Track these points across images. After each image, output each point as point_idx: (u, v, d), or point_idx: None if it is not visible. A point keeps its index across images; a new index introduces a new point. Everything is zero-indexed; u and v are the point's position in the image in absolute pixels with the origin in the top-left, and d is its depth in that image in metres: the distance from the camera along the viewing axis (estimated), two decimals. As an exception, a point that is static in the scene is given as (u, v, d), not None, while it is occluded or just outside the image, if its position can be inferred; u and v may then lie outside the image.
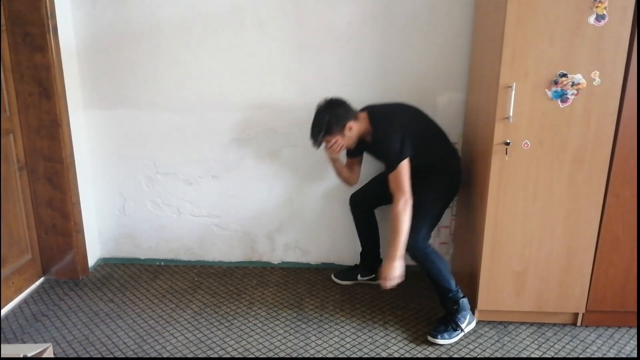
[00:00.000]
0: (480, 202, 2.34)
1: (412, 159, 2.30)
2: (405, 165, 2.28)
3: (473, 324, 2.37)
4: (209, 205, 2.99)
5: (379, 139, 2.36)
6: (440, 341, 2.29)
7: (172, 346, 2.29)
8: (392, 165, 2.29)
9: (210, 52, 2.72)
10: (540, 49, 2.05)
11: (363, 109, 2.48)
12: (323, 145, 2.45)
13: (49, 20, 2.50)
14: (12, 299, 2.61)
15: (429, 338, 2.30)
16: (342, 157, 2.67)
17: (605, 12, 2.00)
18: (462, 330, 2.32)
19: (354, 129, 2.38)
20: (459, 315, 2.32)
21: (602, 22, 2.01)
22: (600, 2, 1.99)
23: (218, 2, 2.64)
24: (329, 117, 2.34)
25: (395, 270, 2.21)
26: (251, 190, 2.94)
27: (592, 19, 2.01)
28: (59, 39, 2.58)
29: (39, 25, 2.49)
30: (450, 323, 2.32)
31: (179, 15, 2.67)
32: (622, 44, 2.03)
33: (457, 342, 2.30)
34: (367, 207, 2.74)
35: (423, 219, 2.31)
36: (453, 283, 2.34)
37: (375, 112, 2.43)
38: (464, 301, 2.34)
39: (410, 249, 2.26)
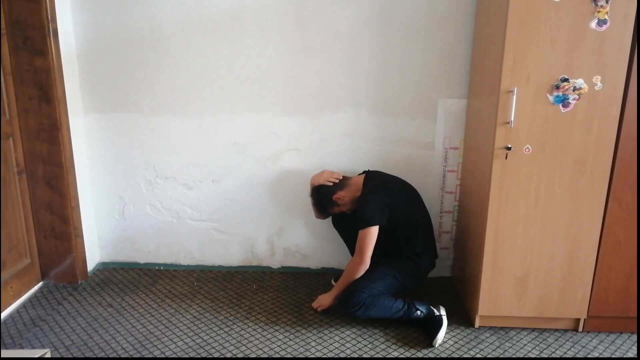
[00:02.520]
0: (481, 207, 2.34)
1: (386, 233, 2.41)
2: (373, 231, 2.39)
3: (426, 307, 2.42)
4: (209, 210, 2.98)
5: (361, 197, 2.48)
6: (439, 341, 2.30)
7: (171, 351, 2.27)
8: (361, 224, 2.40)
9: (211, 56, 2.72)
10: (542, 53, 2.05)
11: (362, 172, 2.66)
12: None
13: (50, 24, 2.50)
14: (10, 304, 2.59)
15: (433, 343, 2.30)
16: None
17: (607, 17, 2.00)
18: (435, 316, 2.37)
19: (345, 196, 2.54)
20: (421, 314, 2.38)
21: (604, 27, 2.01)
22: (602, 7, 1.98)
23: (219, 6, 2.64)
24: (316, 201, 2.63)
25: (327, 301, 2.54)
26: (251, 194, 2.94)
27: (593, 24, 2.01)
28: (59, 42, 2.57)
29: (39, 28, 2.49)
30: (426, 323, 2.37)
31: (180, 19, 2.67)
32: (623, 48, 2.03)
33: (458, 342, 2.30)
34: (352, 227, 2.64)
35: (377, 284, 2.40)
36: (398, 305, 2.37)
37: (372, 176, 2.57)
38: (411, 305, 2.38)
39: (352, 298, 2.35)
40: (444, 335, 2.33)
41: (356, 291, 2.35)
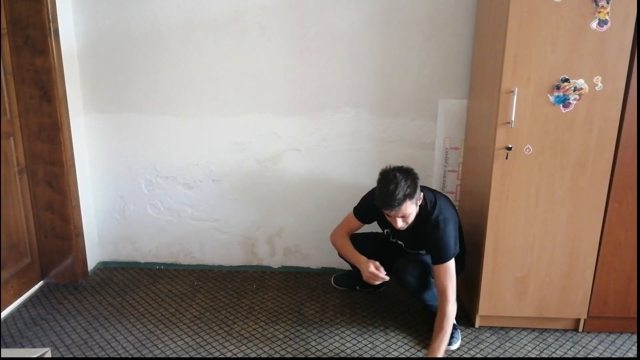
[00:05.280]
0: (481, 207, 2.34)
1: None
2: (454, 262, 2.15)
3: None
4: (209, 209, 2.98)
5: (434, 222, 2.15)
6: (456, 345, 2.29)
7: (171, 350, 2.28)
8: (445, 258, 2.12)
9: (211, 56, 2.72)
10: (543, 54, 2.05)
11: None
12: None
13: (50, 24, 2.50)
14: (11, 303, 2.60)
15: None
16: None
17: (607, 18, 2.00)
18: (456, 325, 2.34)
19: (419, 203, 2.16)
20: None
21: (605, 27, 2.01)
22: (602, 7, 1.98)
23: (219, 6, 2.64)
24: (411, 181, 2.07)
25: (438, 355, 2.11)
26: (251, 194, 2.94)
27: (594, 24, 2.01)
28: (60, 42, 2.58)
29: (40, 28, 2.49)
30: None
31: (181, 19, 2.67)
32: (624, 49, 2.03)
33: (458, 348, 2.30)
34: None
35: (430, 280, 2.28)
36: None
37: (427, 194, 2.23)
38: None
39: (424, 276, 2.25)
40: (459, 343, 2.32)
41: (427, 273, 2.26)
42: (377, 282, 2.24)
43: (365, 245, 2.41)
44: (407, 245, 2.35)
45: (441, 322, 2.11)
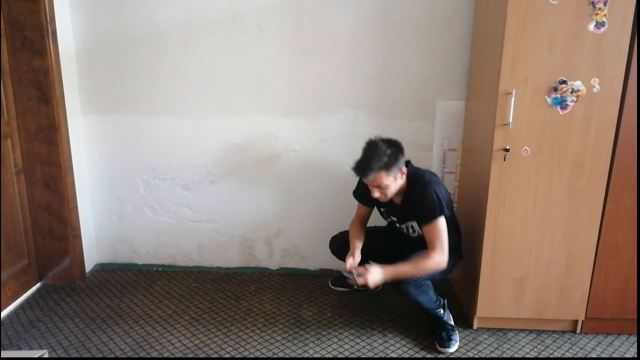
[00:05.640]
0: (479, 209, 2.34)
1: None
2: (444, 222, 2.16)
3: (447, 313, 2.39)
4: (207, 211, 2.98)
5: (418, 189, 2.17)
6: (454, 348, 2.28)
7: (169, 352, 2.27)
8: (432, 215, 2.13)
9: (209, 57, 2.72)
10: (540, 55, 2.06)
11: None
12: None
13: (48, 25, 2.49)
14: (8, 305, 2.59)
15: (442, 349, 2.27)
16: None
17: (605, 20, 2.00)
18: (454, 327, 2.34)
19: (403, 178, 2.19)
20: (445, 315, 2.35)
21: (602, 29, 2.01)
22: (600, 9, 1.99)
23: (218, 8, 2.64)
24: (391, 152, 2.12)
25: (376, 279, 2.13)
26: (250, 195, 2.94)
27: (591, 26, 2.01)
28: (58, 43, 2.57)
29: (38, 29, 2.49)
30: (445, 326, 2.33)
31: (179, 20, 2.67)
32: (621, 51, 2.04)
33: (456, 350, 2.30)
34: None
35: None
36: (435, 298, 2.32)
37: (414, 169, 2.28)
38: (441, 300, 2.36)
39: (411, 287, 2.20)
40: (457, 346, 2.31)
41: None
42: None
43: (372, 239, 2.46)
44: (400, 219, 2.35)
45: (417, 258, 2.15)
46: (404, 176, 2.20)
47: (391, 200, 2.27)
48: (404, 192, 2.24)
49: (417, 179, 2.21)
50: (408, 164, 2.27)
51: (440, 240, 2.15)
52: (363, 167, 2.11)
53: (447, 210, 2.17)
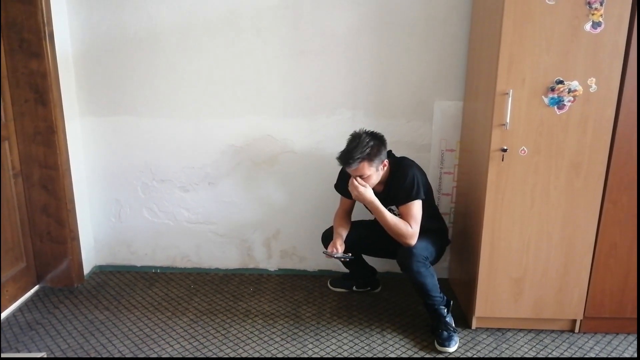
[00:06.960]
0: (477, 209, 2.34)
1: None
2: (420, 205, 2.29)
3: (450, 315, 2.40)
4: (206, 212, 2.98)
5: (400, 174, 2.30)
6: (453, 348, 2.28)
7: (168, 354, 2.27)
8: (408, 197, 2.26)
9: (207, 59, 2.72)
10: (537, 55, 2.06)
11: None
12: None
13: (45, 27, 2.49)
14: (6, 307, 2.58)
15: (441, 349, 2.28)
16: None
17: (601, 20, 2.01)
18: (455, 329, 2.35)
19: (384, 170, 2.32)
20: (448, 316, 2.35)
21: (599, 29, 2.02)
22: (596, 9, 2.00)
23: (215, 9, 2.64)
24: (374, 144, 2.23)
25: (367, 194, 2.26)
26: (248, 196, 2.94)
27: (588, 26, 2.02)
28: (55, 45, 2.57)
29: (35, 31, 2.48)
30: (447, 326, 2.32)
31: (176, 22, 2.67)
32: (618, 50, 2.04)
33: (455, 350, 2.30)
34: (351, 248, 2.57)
35: (428, 247, 2.33)
36: (439, 291, 2.33)
37: (394, 157, 2.41)
38: (446, 298, 2.37)
39: (412, 256, 2.24)
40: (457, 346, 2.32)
41: (428, 254, 2.30)
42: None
43: (357, 230, 2.56)
44: (383, 205, 2.37)
45: (399, 219, 2.28)
46: (385, 168, 2.32)
47: (372, 189, 2.33)
48: (386, 179, 2.36)
49: (397, 165, 2.35)
50: (390, 154, 2.38)
51: (415, 221, 2.27)
52: (346, 157, 2.22)
53: (423, 194, 2.29)
